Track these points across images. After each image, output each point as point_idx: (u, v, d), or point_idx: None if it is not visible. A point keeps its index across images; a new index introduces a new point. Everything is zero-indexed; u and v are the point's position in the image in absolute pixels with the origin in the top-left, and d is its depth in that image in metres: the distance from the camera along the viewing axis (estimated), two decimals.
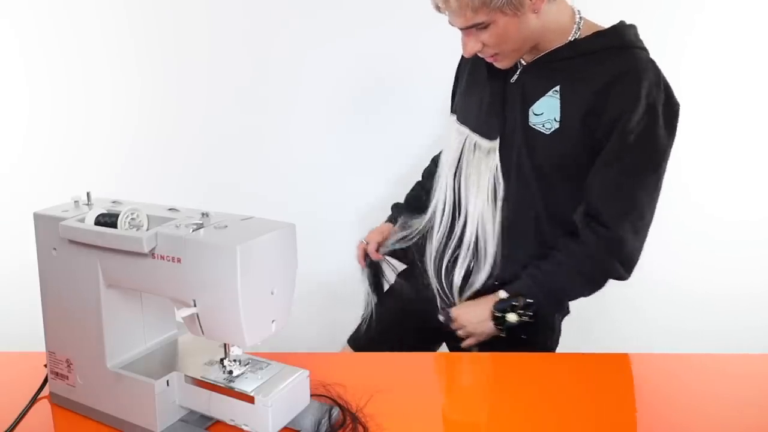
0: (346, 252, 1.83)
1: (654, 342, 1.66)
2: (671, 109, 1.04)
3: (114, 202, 0.82)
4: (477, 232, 1.15)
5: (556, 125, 1.06)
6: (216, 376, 0.75)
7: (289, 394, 0.74)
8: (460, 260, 1.17)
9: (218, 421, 0.77)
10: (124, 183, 1.71)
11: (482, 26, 1.01)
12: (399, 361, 1.00)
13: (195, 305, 0.70)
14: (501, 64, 1.10)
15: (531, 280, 1.12)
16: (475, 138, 1.16)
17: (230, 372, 0.75)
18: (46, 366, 0.83)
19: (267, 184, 1.79)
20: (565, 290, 1.15)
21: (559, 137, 1.06)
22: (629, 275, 1.10)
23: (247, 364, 0.77)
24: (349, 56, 1.72)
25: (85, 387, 0.80)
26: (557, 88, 1.06)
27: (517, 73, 1.11)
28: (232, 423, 0.74)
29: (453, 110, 1.27)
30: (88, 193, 0.82)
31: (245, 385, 0.73)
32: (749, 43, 1.68)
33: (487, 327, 1.12)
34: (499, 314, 1.10)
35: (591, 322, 1.68)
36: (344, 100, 1.76)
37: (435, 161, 1.35)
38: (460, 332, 1.16)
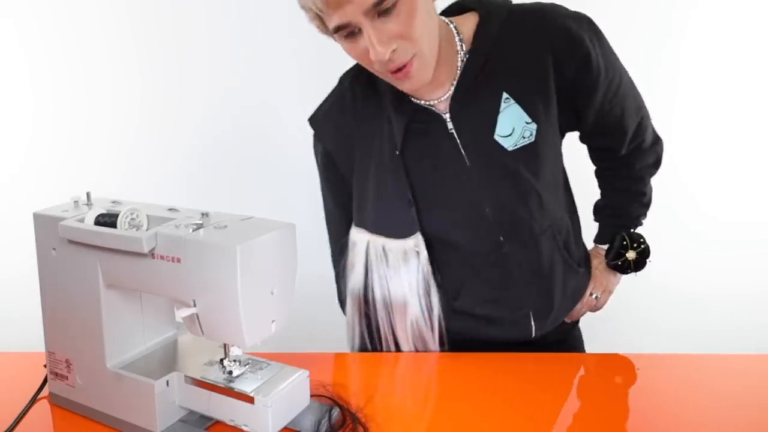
0: None
1: (653, 342, 1.66)
2: (584, 14, 0.94)
3: (114, 202, 0.82)
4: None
5: (534, 125, 0.92)
6: (216, 376, 0.75)
7: (289, 394, 0.74)
8: None
9: (218, 422, 0.77)
10: (124, 183, 1.71)
11: (386, 6, 0.77)
12: (399, 361, 1.00)
13: (195, 305, 0.70)
14: (418, 77, 0.84)
15: (613, 220, 1.12)
16: (381, 241, 0.94)
17: (230, 372, 0.75)
18: (45, 366, 0.83)
19: (267, 184, 1.79)
20: (645, 194, 1.12)
21: (547, 130, 0.93)
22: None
23: (247, 364, 0.77)
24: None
25: (84, 387, 0.80)
26: (505, 95, 0.91)
27: (448, 121, 0.92)
28: (232, 423, 0.74)
29: (346, 222, 1.03)
30: (87, 193, 0.82)
31: (245, 386, 0.73)
32: (746, 41, 1.68)
33: (616, 278, 1.14)
34: (619, 263, 1.10)
35: (589, 323, 1.68)
36: None
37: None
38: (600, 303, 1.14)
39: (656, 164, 1.11)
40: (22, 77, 1.74)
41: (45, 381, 0.85)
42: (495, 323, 1.02)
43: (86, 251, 0.75)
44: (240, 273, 0.66)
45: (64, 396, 0.82)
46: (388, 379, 0.92)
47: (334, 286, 1.17)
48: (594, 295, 1.12)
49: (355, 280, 0.98)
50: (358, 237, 0.98)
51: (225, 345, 0.76)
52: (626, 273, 1.12)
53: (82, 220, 0.75)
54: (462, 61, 0.91)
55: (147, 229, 0.75)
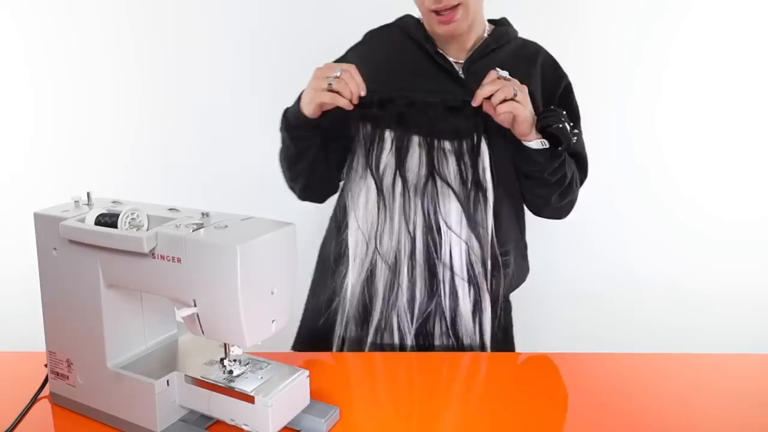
0: None
1: (654, 342, 1.66)
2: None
3: (114, 202, 0.82)
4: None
5: None
6: (216, 376, 0.75)
7: (289, 394, 0.74)
8: None
9: (218, 421, 0.77)
10: (124, 183, 1.71)
11: None
12: (398, 361, 1.00)
13: (195, 305, 0.71)
14: (452, 27, 1.06)
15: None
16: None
17: (230, 372, 0.75)
18: (46, 366, 0.84)
19: (267, 184, 1.79)
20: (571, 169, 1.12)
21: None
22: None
23: (247, 364, 0.77)
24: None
25: (85, 387, 0.80)
26: (506, 74, 1.05)
27: (461, 70, 1.11)
28: (232, 423, 0.74)
29: None
30: (88, 193, 0.82)
31: (245, 385, 0.73)
32: (745, 42, 1.68)
33: (530, 114, 1.02)
34: (549, 124, 1.02)
35: (590, 322, 1.68)
36: None
37: None
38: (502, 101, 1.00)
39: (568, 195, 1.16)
40: (23, 77, 1.74)
41: (46, 380, 0.85)
42: None
43: (87, 251, 0.75)
44: (240, 273, 0.66)
45: (64, 395, 0.82)
46: (386, 379, 0.92)
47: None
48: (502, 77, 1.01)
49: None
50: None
51: (225, 345, 0.76)
52: (545, 132, 1.03)
53: (82, 220, 0.75)
54: (486, 36, 1.14)
55: (147, 229, 0.75)
